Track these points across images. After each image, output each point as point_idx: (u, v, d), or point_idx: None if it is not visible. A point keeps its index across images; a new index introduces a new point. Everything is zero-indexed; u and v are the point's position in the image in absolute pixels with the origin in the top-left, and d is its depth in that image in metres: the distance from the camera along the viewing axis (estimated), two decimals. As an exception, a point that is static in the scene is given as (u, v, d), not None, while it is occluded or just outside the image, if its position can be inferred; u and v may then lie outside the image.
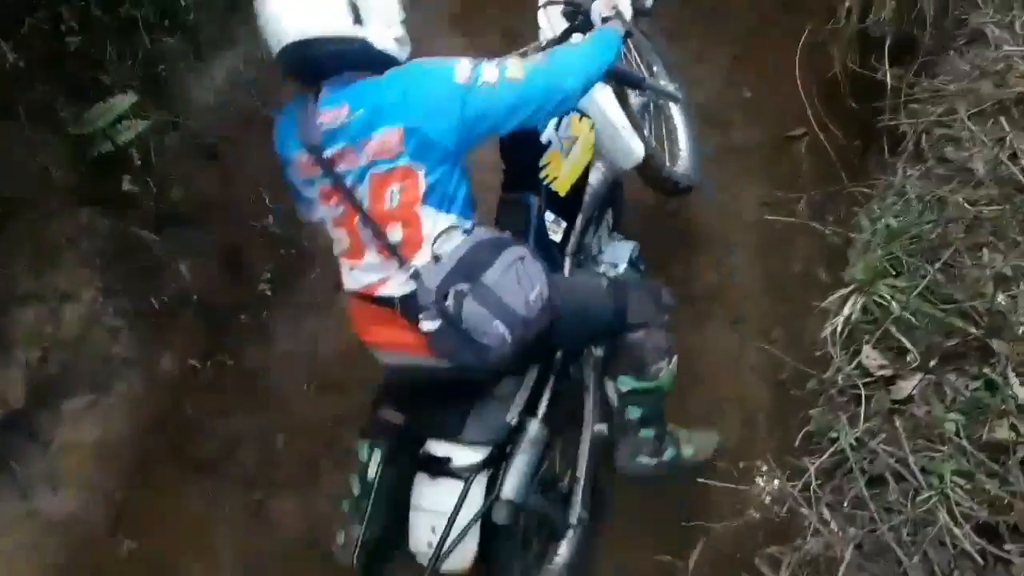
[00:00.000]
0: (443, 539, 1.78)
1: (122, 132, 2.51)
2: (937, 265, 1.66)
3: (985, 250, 1.67)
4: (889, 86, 2.39)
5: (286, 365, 3.01)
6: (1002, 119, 1.85)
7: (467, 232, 1.78)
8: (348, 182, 1.72)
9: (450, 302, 1.67)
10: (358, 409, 2.20)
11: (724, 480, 1.84)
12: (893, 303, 1.66)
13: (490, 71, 1.70)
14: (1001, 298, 1.55)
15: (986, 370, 1.47)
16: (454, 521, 1.78)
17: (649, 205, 3.23)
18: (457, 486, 1.81)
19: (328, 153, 1.71)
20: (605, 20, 2.01)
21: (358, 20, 1.67)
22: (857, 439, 1.50)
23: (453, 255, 1.72)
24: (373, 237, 1.74)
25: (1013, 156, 1.77)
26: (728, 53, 3.90)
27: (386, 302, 1.78)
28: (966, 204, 1.69)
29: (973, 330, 1.55)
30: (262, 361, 3.02)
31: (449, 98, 1.67)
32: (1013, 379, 1.43)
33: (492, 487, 1.83)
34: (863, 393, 1.59)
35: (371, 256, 1.78)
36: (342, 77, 1.72)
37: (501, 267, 1.73)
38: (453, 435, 1.85)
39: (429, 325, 1.72)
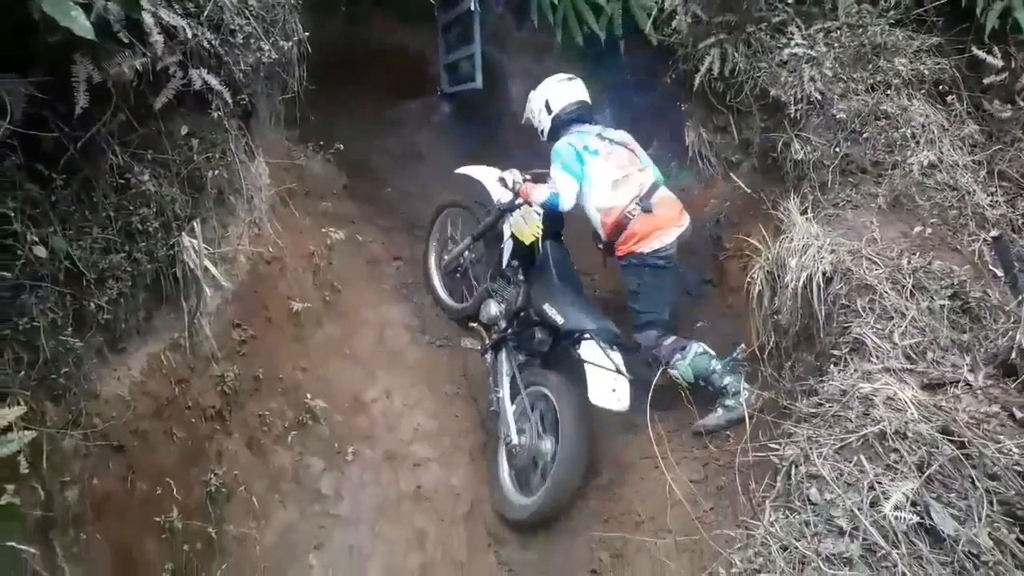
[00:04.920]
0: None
1: (5, 445, 2.45)
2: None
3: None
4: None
5: None
6: (862, 457, 1.77)
7: None
8: (629, 145, 4.38)
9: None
10: None
11: None
12: None
13: None
14: None
15: None
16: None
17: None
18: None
19: (608, 136, 4.34)
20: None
21: None
22: None
23: None
24: (632, 162, 4.29)
25: (874, 503, 1.67)
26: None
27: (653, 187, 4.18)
28: (823, 566, 1.56)
29: None
30: None
31: None
32: None
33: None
34: None
35: (632, 176, 4.20)
36: (588, 119, 4.50)
37: None
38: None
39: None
